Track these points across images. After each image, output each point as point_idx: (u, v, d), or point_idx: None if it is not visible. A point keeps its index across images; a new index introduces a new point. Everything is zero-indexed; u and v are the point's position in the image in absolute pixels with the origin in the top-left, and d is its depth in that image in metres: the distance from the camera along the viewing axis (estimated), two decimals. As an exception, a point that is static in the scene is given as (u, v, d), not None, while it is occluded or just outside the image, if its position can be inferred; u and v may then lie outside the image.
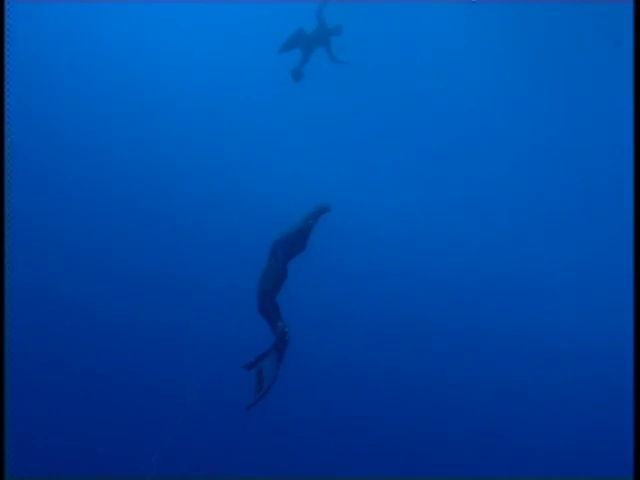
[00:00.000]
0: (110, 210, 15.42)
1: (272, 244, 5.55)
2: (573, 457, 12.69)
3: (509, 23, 13.65)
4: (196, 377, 13.79)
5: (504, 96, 14.09)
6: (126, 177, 15.71)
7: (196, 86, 16.18)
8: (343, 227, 12.59)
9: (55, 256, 14.55)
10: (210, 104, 16.09)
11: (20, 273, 12.67)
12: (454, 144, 15.49)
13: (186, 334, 14.46)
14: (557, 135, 14.08)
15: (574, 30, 13.15)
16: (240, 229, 14.30)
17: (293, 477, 12.28)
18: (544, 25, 13.40)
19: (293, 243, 5.55)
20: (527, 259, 14.95)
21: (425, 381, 14.07)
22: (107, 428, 12.72)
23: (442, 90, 15.05)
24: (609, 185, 13.58)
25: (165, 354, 14.05)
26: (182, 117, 16.12)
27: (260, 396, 4.99)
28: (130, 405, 13.17)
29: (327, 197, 5.98)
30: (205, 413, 13.54)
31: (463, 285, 14.89)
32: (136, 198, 15.63)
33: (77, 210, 15.18)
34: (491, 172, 15.22)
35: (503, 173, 15.17)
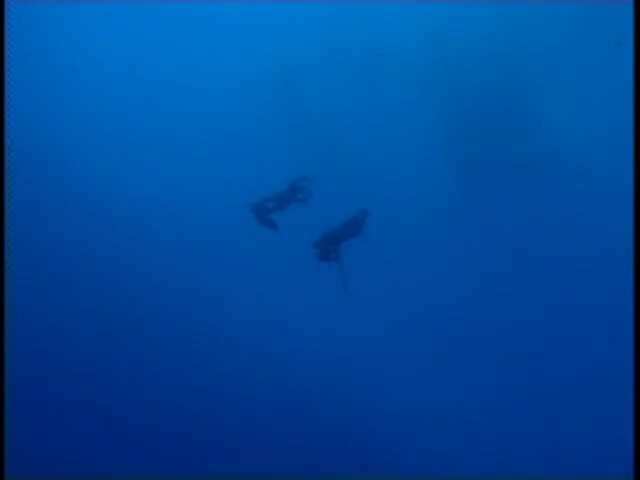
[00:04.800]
0: (113, 209, 15.42)
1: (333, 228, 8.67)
2: (573, 457, 12.69)
3: (508, 23, 13.66)
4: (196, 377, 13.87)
5: (504, 103, 14.13)
6: (126, 177, 15.69)
7: (197, 87, 16.15)
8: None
9: (54, 256, 14.56)
10: (210, 104, 16.08)
11: (21, 274, 12.71)
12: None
13: (185, 336, 14.48)
14: (556, 137, 14.09)
15: (574, 30, 13.16)
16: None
17: (293, 477, 12.29)
18: (544, 25, 13.41)
19: (347, 226, 8.61)
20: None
21: (424, 377, 14.12)
22: (107, 428, 12.74)
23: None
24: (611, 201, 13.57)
25: (164, 355, 14.06)
26: (184, 116, 16.09)
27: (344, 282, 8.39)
28: (129, 405, 13.18)
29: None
30: (204, 414, 13.58)
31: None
32: (138, 198, 15.62)
33: (77, 209, 15.19)
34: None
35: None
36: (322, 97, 15.27)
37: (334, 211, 8.85)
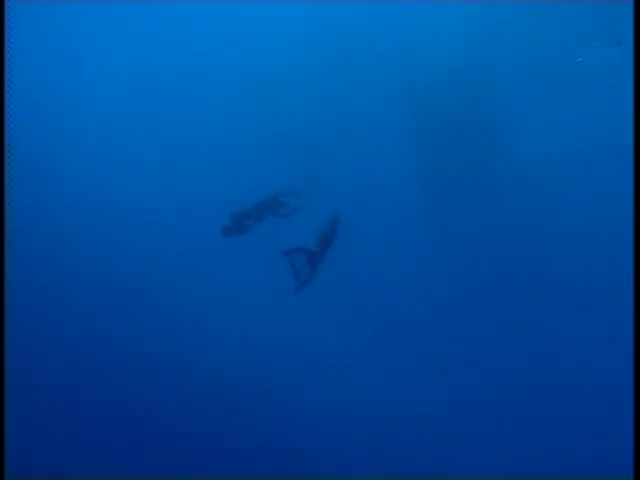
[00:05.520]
0: (114, 207, 15.45)
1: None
2: (573, 457, 12.69)
3: (508, 23, 13.69)
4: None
5: (504, 96, 14.13)
6: (127, 176, 15.72)
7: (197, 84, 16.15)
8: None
9: (54, 257, 14.58)
10: (210, 104, 16.07)
11: (18, 271, 12.72)
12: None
13: (184, 337, 14.50)
14: (557, 136, 14.12)
15: (574, 30, 13.18)
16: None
17: (293, 477, 12.29)
18: (543, 25, 13.43)
19: (327, 230, 8.59)
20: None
21: (422, 377, 14.14)
22: (107, 428, 12.74)
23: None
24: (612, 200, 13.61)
25: (164, 356, 14.08)
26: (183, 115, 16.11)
27: (300, 284, 7.96)
28: (129, 406, 13.19)
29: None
30: (203, 413, 13.60)
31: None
32: (139, 198, 15.64)
33: (77, 207, 15.21)
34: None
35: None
36: (297, 107, 15.18)
37: (309, 220, 8.87)
